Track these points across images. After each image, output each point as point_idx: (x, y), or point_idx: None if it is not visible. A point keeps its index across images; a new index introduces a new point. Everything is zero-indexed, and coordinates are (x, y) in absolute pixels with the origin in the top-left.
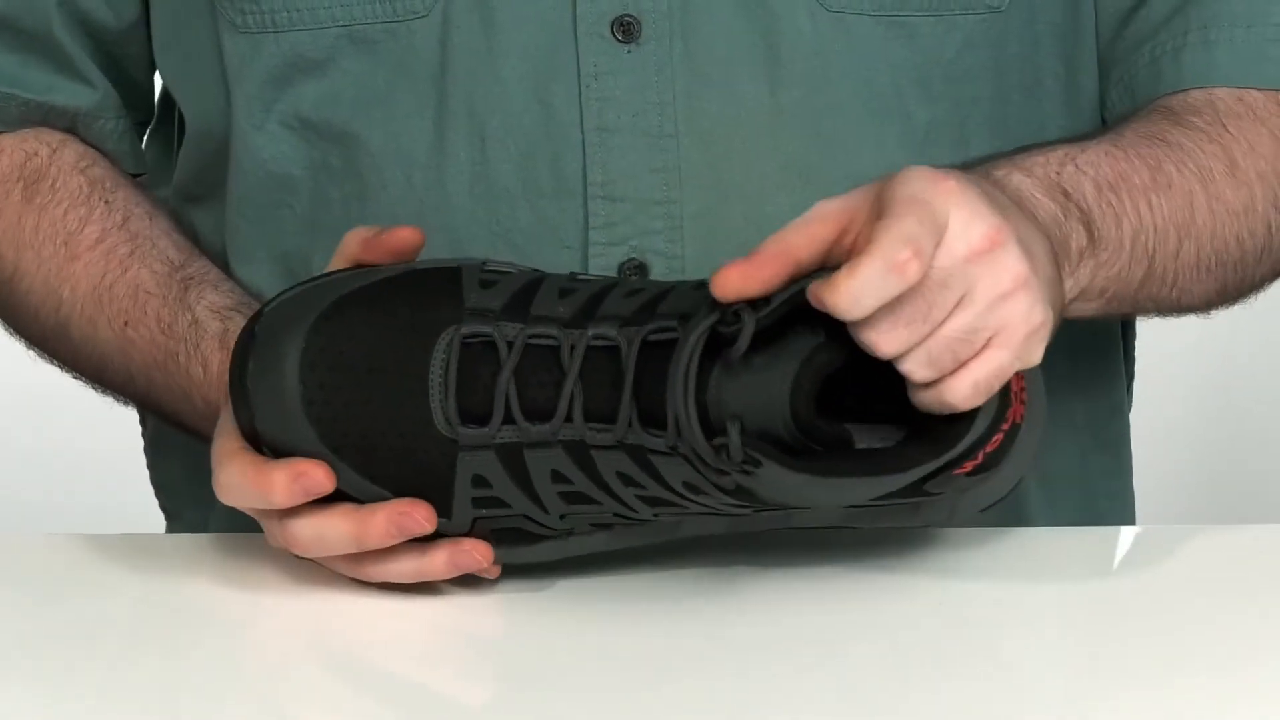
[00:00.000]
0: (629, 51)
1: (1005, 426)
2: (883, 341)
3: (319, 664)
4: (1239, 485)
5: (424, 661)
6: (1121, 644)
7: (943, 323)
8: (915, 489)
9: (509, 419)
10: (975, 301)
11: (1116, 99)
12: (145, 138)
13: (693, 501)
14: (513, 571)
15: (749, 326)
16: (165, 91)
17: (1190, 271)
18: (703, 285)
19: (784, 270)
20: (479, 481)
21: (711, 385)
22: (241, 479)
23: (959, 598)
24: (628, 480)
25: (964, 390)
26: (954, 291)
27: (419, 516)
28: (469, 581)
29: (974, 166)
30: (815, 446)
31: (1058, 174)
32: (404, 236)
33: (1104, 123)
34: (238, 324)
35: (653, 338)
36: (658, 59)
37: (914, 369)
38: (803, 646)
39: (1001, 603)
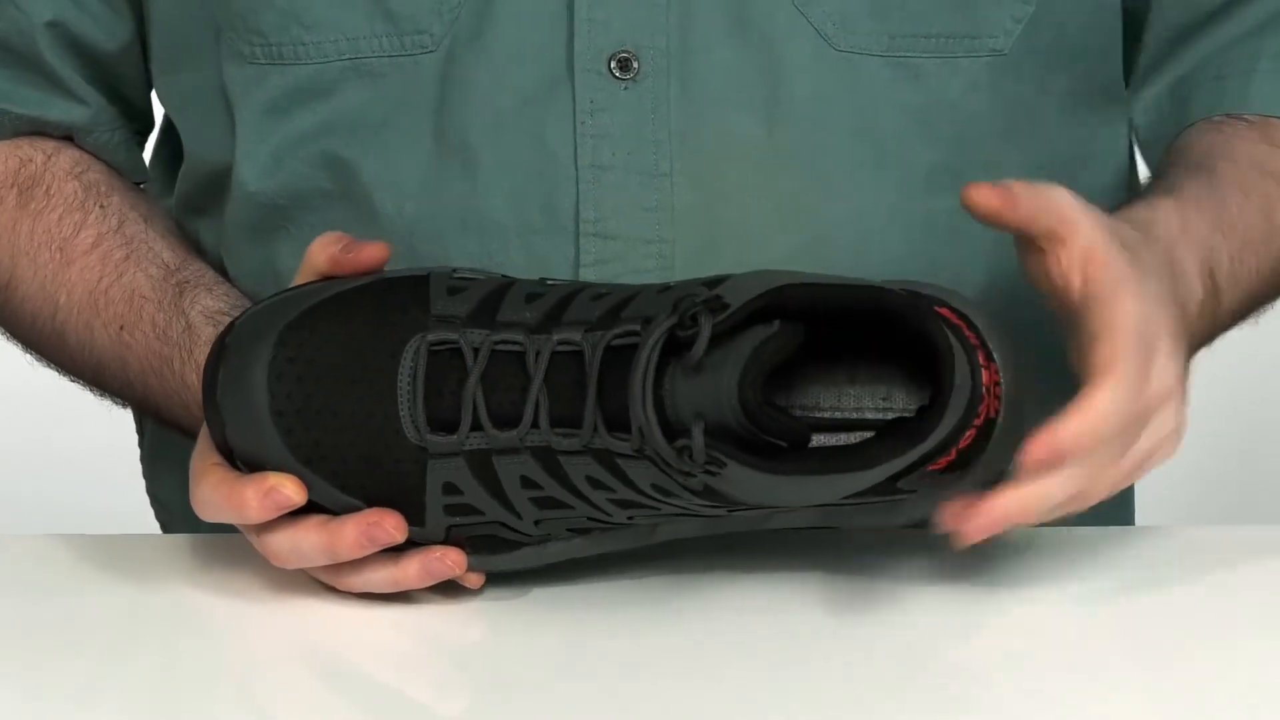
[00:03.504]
0: (625, 88)
1: (978, 422)
2: (1108, 465)
3: (303, 668)
4: (1240, 485)
5: (406, 667)
6: (1120, 644)
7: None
8: (888, 487)
9: (477, 426)
10: (1150, 433)
11: (1161, 107)
12: (153, 148)
13: (664, 503)
14: (492, 578)
15: (705, 330)
16: None
17: (1252, 311)
18: (667, 289)
19: (1026, 223)
20: (450, 489)
21: (670, 387)
22: (215, 495)
23: (953, 598)
24: (597, 484)
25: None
26: (1144, 422)
27: (389, 526)
28: (451, 589)
29: (1153, 208)
30: (769, 439)
31: (1209, 249)
32: (370, 254)
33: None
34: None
35: (616, 342)
36: (654, 96)
37: (1099, 493)
38: (788, 650)
39: (998, 602)
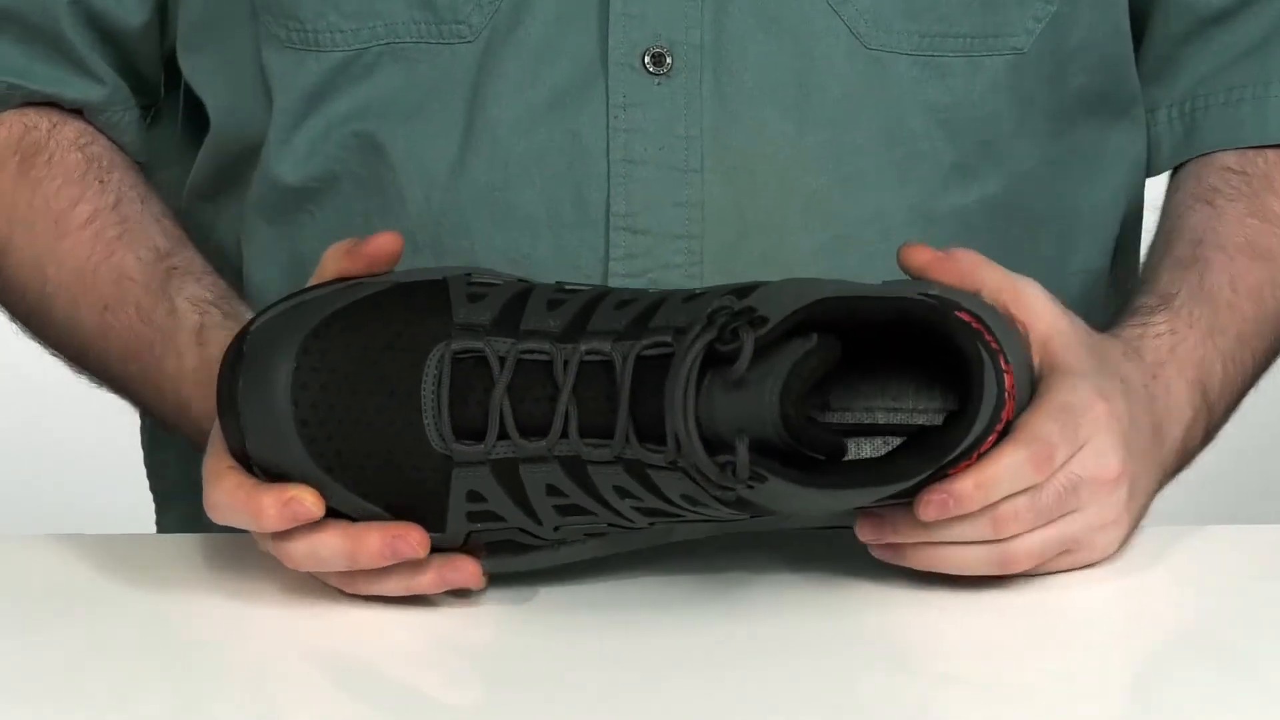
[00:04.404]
0: (659, 84)
1: (999, 427)
2: (1012, 521)
3: (309, 670)
4: (1240, 485)
5: (416, 667)
6: (1119, 643)
7: (1053, 523)
8: (912, 490)
9: (504, 435)
10: (1080, 518)
11: (1161, 123)
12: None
13: (690, 511)
14: (502, 578)
15: (748, 346)
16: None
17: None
18: (693, 297)
19: (960, 282)
20: (474, 497)
21: (707, 401)
22: (231, 500)
23: (955, 599)
24: (624, 493)
25: (1022, 566)
26: (1074, 500)
27: (413, 541)
28: (461, 589)
29: (1144, 327)
30: (807, 451)
31: (1201, 366)
32: (382, 244)
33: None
34: (214, 319)
35: (647, 353)
36: (687, 92)
37: (1019, 557)
38: (795, 651)
39: (998, 604)
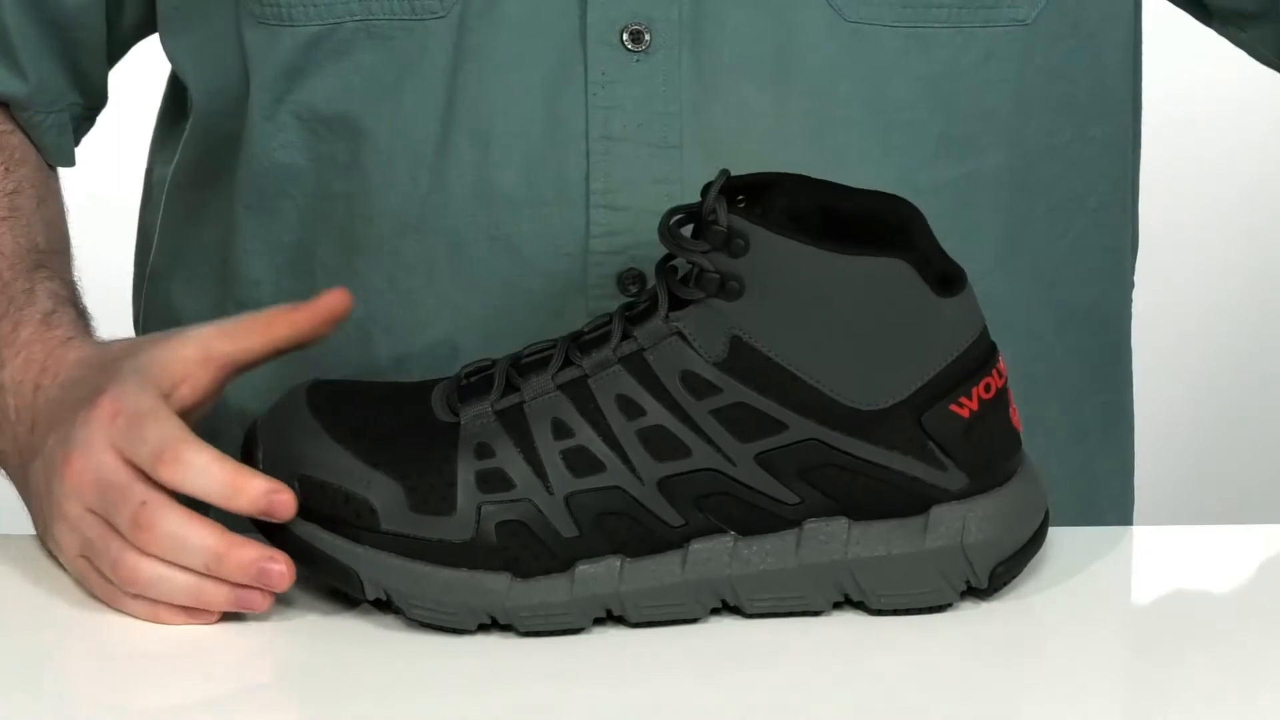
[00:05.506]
0: (637, 60)
1: (991, 381)
2: None
3: (305, 678)
4: (1240, 485)
5: (410, 668)
6: (1120, 644)
7: None
8: (909, 423)
9: (510, 388)
10: None
11: None
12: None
13: (696, 408)
14: None
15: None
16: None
17: None
18: None
19: None
20: (482, 451)
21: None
22: (212, 466)
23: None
24: (627, 406)
25: None
26: None
27: (281, 569)
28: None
29: None
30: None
31: None
32: (332, 302)
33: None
34: (67, 311)
35: (640, 308)
36: (666, 69)
37: None
38: (800, 657)
39: (999, 601)
